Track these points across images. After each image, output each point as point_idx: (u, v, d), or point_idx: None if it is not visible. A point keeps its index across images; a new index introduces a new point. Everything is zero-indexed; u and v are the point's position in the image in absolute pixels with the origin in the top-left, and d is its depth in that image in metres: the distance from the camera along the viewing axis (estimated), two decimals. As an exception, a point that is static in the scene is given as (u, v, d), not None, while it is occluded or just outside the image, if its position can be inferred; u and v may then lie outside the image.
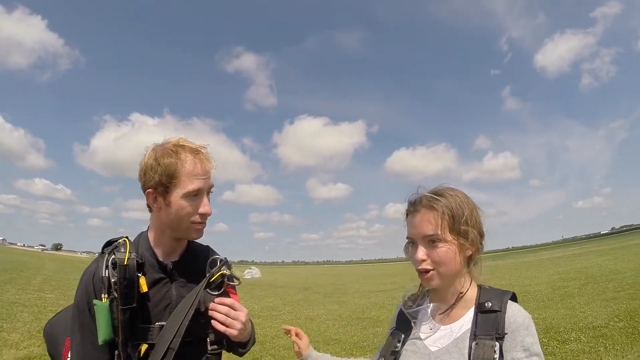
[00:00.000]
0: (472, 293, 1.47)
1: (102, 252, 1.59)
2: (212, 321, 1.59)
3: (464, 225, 1.40)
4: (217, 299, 1.62)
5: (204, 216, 1.62)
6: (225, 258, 1.77)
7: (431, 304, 1.54)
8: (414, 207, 1.49)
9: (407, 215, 1.53)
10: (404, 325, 1.58)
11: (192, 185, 1.55)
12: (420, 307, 1.56)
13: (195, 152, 1.59)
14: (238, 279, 1.76)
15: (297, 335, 1.88)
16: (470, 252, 1.45)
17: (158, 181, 1.54)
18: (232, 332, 1.58)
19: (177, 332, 1.51)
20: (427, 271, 1.42)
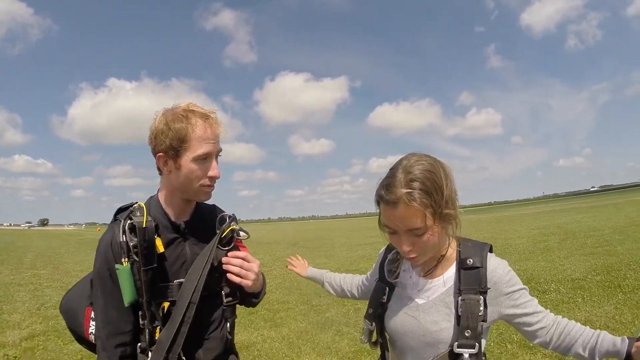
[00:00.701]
0: (452, 250, 1.53)
1: (116, 220, 1.67)
2: (228, 274, 1.71)
3: (446, 209, 1.39)
4: (230, 253, 1.74)
5: (213, 179, 1.68)
6: (233, 214, 1.86)
7: (414, 270, 1.60)
8: (392, 200, 1.39)
9: (381, 202, 1.46)
10: (387, 276, 1.67)
11: (201, 149, 1.60)
12: (403, 268, 1.65)
13: (205, 117, 1.64)
14: (247, 233, 1.88)
15: (292, 262, 2.30)
16: (452, 226, 1.46)
17: (169, 145, 1.59)
18: (246, 282, 1.69)
19: (196, 286, 1.61)
20: (413, 257, 1.45)
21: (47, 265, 17.06)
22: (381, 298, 1.65)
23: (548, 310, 1.49)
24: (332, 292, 2.24)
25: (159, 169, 1.70)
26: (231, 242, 1.79)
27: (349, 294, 2.14)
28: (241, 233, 1.86)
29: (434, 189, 1.38)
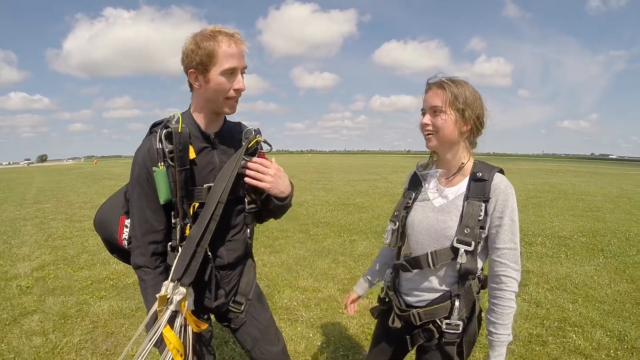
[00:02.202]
0: (469, 165, 1.87)
1: (151, 132, 1.87)
2: (246, 178, 1.93)
3: (463, 105, 1.76)
4: (250, 159, 1.95)
5: (239, 91, 1.84)
6: (258, 128, 2.06)
7: (438, 170, 1.94)
8: (428, 85, 1.85)
9: (424, 93, 1.87)
10: (414, 186, 2.03)
11: (228, 64, 1.75)
12: (429, 171, 1.99)
13: (231, 35, 1.78)
14: (270, 145, 2.07)
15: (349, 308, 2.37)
16: (465, 128, 1.82)
17: (199, 61, 1.75)
18: (263, 184, 1.92)
19: (225, 187, 1.82)
20: (429, 134, 1.83)
21: (50, 199, 17.21)
22: (407, 202, 1.99)
23: (519, 256, 1.79)
24: (377, 277, 2.35)
25: (190, 85, 1.87)
26: (255, 153, 2.02)
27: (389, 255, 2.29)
28: (264, 145, 2.07)
29: (462, 91, 1.79)
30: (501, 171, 1.85)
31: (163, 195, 1.78)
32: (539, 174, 33.93)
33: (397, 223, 1.96)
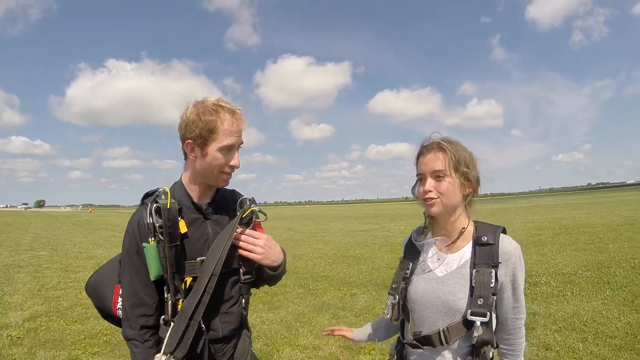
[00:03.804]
0: (470, 229, 1.76)
1: (143, 203, 1.84)
2: (238, 249, 1.88)
3: (465, 167, 1.68)
4: (238, 230, 1.89)
5: (233, 168, 1.86)
6: (252, 197, 2.03)
7: (437, 238, 1.81)
8: (426, 148, 1.74)
9: (418, 156, 1.78)
10: (411, 255, 1.87)
11: (227, 141, 1.78)
12: (427, 240, 1.85)
13: (233, 112, 1.81)
14: (265, 215, 2.07)
15: (335, 331, 2.21)
16: (468, 191, 1.73)
17: (198, 134, 1.76)
18: (254, 256, 1.87)
19: (217, 260, 1.76)
20: (432, 199, 1.70)
21: (46, 247, 17.19)
22: (405, 272, 1.84)
23: (522, 322, 1.74)
24: (383, 334, 2.17)
25: (185, 154, 1.88)
26: (250, 223, 1.96)
27: (389, 326, 2.12)
28: (260, 215, 2.04)
29: (461, 152, 1.71)
30: (504, 230, 1.77)
31: (153, 271, 1.75)
32: (538, 211, 33.96)
33: (397, 296, 1.83)
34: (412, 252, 1.89)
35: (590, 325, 5.56)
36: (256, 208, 2.00)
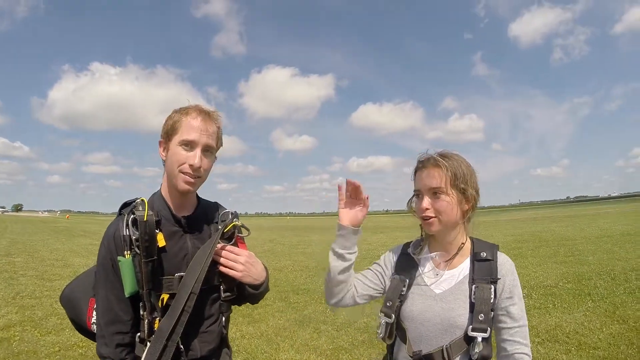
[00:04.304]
0: (467, 244, 1.75)
1: (120, 214, 1.74)
2: (219, 265, 1.79)
3: (463, 184, 1.66)
4: (220, 246, 1.80)
5: (192, 168, 1.71)
6: (235, 211, 1.94)
7: (436, 253, 1.77)
8: (423, 164, 1.73)
9: (415, 172, 1.76)
10: (406, 270, 1.80)
11: (187, 135, 1.68)
12: (425, 255, 1.80)
13: (203, 111, 1.75)
14: (248, 230, 1.96)
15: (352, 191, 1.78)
16: (467, 207, 1.70)
17: (165, 131, 1.74)
18: (234, 273, 1.78)
19: (197, 278, 1.67)
20: (429, 218, 1.67)
21: (22, 253, 16.81)
22: (401, 290, 1.76)
23: (528, 332, 1.65)
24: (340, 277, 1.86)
25: (162, 159, 1.81)
26: (232, 238, 1.86)
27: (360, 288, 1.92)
28: (242, 230, 1.93)
29: (459, 168, 1.68)
30: (497, 246, 1.76)
31: (128, 287, 1.64)
32: (517, 224, 34.29)
33: (393, 315, 1.74)
34: (406, 267, 1.82)
35: (573, 336, 5.55)
36: (239, 222, 1.91)
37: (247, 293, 1.89)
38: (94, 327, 1.78)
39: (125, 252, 1.65)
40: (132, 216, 1.67)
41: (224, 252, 1.79)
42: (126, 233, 1.65)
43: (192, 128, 1.70)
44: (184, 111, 1.74)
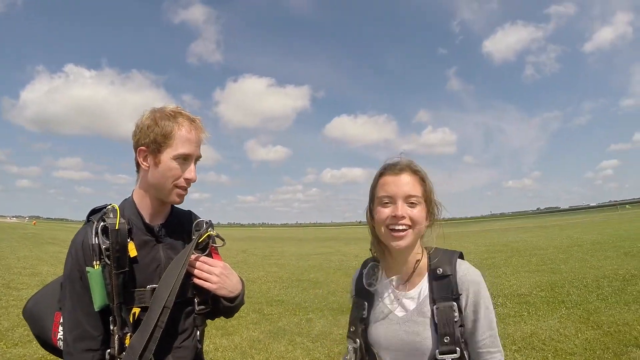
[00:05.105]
0: (424, 259, 1.64)
1: (89, 220, 1.64)
2: (192, 277, 1.70)
3: (433, 196, 1.60)
4: (193, 257, 1.71)
5: (189, 182, 1.68)
6: (209, 220, 1.84)
7: (392, 279, 1.66)
8: (396, 167, 1.60)
9: (382, 175, 1.63)
10: (365, 296, 1.71)
11: (183, 149, 1.62)
12: (381, 283, 1.69)
13: (192, 120, 1.68)
14: (223, 240, 1.87)
15: None
16: (429, 222, 1.62)
17: (153, 139, 1.61)
18: (209, 285, 1.69)
19: (171, 291, 1.57)
20: (403, 230, 1.54)
21: None
22: (362, 314, 1.67)
23: (499, 341, 1.59)
24: None
25: (137, 164, 1.70)
26: (206, 249, 1.78)
27: None
28: (217, 240, 1.85)
29: (426, 177, 1.62)
30: (461, 255, 1.66)
31: (98, 300, 1.52)
32: (489, 235, 34.72)
33: (358, 340, 1.66)
34: (365, 293, 1.72)
35: (549, 343, 5.57)
36: (213, 232, 1.81)
37: (221, 306, 1.79)
38: (60, 343, 1.66)
39: (95, 262, 1.53)
40: (102, 224, 1.56)
41: (198, 264, 1.70)
42: (95, 242, 1.54)
43: (188, 141, 1.64)
44: (174, 119, 1.63)
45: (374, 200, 1.65)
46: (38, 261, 17.18)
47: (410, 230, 1.55)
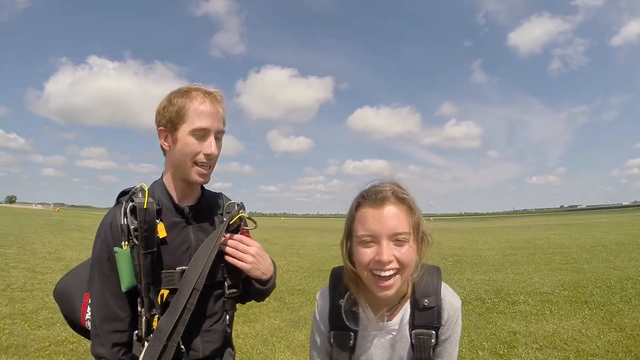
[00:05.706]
0: (409, 290, 1.51)
1: (118, 202, 1.62)
2: (226, 257, 1.67)
3: (424, 228, 1.40)
4: (227, 235, 1.68)
5: (209, 157, 1.62)
6: (241, 202, 1.81)
7: (380, 314, 1.53)
8: (378, 197, 1.35)
9: (360, 207, 1.40)
10: (346, 327, 1.54)
11: (199, 122, 1.57)
12: (362, 320, 1.55)
13: (207, 93, 1.62)
14: (255, 222, 1.82)
15: None
16: (418, 258, 1.41)
17: (168, 119, 1.59)
18: (243, 265, 1.65)
19: (201, 273, 1.54)
20: (390, 277, 1.33)
21: (13, 245, 16.65)
22: (348, 343, 1.54)
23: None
24: None
25: (162, 148, 1.69)
26: (238, 231, 1.74)
27: None
28: (249, 222, 1.81)
29: (414, 204, 1.39)
30: (438, 271, 1.54)
31: (126, 281, 1.52)
32: (512, 231, 34.34)
33: None
34: (346, 327, 1.54)
35: (571, 343, 5.51)
36: (245, 214, 1.77)
37: (253, 289, 1.77)
38: (88, 323, 1.67)
39: (123, 242, 1.53)
40: (130, 204, 1.55)
41: (232, 242, 1.68)
42: (124, 222, 1.53)
43: (203, 114, 1.59)
44: (186, 95, 1.60)
45: (351, 237, 1.45)
46: (63, 246, 17.50)
47: (398, 276, 1.34)
